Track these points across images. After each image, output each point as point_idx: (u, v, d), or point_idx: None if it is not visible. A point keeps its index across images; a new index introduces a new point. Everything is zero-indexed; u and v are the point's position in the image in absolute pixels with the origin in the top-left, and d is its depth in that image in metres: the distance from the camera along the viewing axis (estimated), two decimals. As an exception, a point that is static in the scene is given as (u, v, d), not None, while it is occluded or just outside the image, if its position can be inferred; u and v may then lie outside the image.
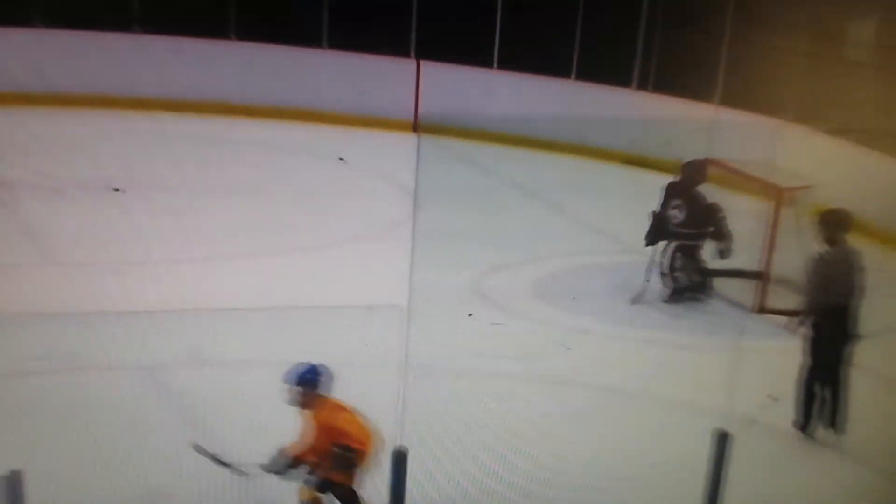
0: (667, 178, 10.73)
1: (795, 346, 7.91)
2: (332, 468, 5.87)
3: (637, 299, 10.37)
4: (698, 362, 8.94)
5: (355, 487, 5.99)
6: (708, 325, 10.00)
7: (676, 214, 10.37)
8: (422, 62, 16.28)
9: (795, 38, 13.28)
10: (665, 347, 9.49)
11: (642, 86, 15.51)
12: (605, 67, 15.47)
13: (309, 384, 5.94)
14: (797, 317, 7.98)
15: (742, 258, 10.28)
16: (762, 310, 10.08)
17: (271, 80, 16.28)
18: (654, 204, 10.53)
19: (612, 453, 7.45)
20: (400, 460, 5.25)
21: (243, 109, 16.06)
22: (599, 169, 15.13)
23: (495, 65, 16.24)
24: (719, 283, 10.55)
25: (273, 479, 6.06)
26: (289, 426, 6.06)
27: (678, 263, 10.38)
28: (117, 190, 12.30)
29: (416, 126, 16.02)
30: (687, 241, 10.35)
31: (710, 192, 10.47)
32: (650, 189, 10.96)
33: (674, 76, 14.85)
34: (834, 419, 7.81)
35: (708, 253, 10.45)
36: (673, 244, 10.37)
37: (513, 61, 15.99)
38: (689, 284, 10.44)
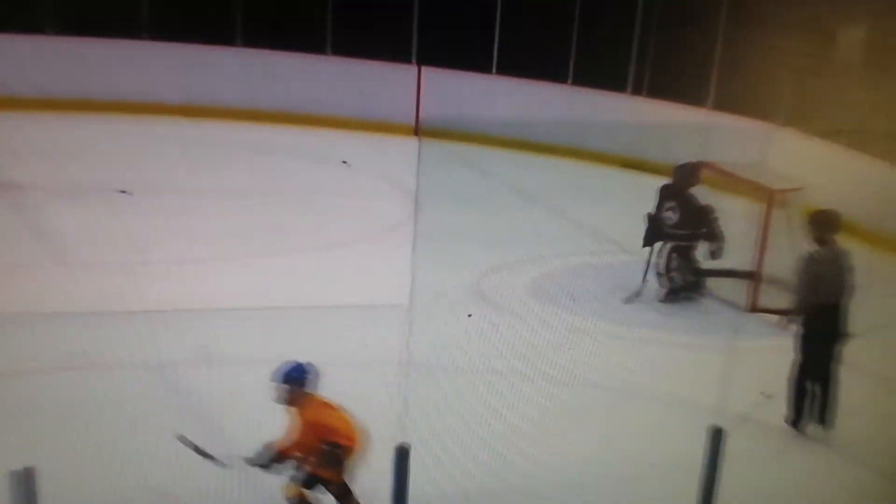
0: (663, 181, 10.70)
1: (787, 344, 7.90)
2: (320, 465, 5.86)
3: (631, 298, 10.36)
4: (693, 361, 8.92)
5: (347, 482, 5.98)
6: (702, 325, 9.98)
7: (671, 216, 10.35)
8: (423, 68, 16.27)
9: (785, 45, 13.25)
10: (661, 346, 9.47)
11: (637, 91, 15.49)
12: (600, 73, 15.46)
13: (296, 382, 5.93)
14: (788, 315, 7.96)
15: (735, 258, 10.26)
16: (755, 309, 10.06)
17: (277, 86, 16.27)
18: (651, 206, 10.52)
19: (609, 450, 7.44)
20: (402, 456, 5.22)
21: (249, 114, 16.04)
22: (597, 172, 15.11)
23: (494, 70, 16.23)
24: (713, 283, 10.53)
25: (278, 479, 6.05)
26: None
27: (674, 264, 10.37)
28: (124, 192, 12.28)
29: (418, 130, 16.01)
30: (681, 242, 10.34)
31: (702, 194, 10.45)
32: (647, 191, 10.93)
33: (667, 82, 14.85)
34: (823, 414, 7.81)
35: (702, 253, 10.44)
36: (669, 245, 10.36)
37: (511, 67, 15.98)
38: (684, 284, 10.42)
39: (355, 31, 16.09)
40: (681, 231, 10.32)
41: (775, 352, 8.18)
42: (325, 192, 13.40)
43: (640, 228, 10.50)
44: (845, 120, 12.91)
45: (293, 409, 5.95)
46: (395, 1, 16.40)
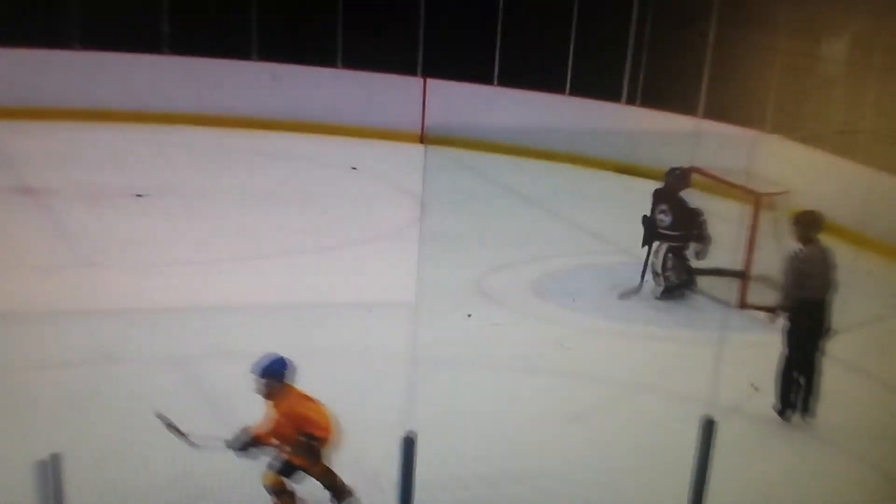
0: (655, 185, 10.67)
1: (775, 338, 7.85)
2: (296, 455, 5.81)
3: (626, 294, 10.33)
4: (686, 355, 8.87)
5: (327, 466, 5.94)
6: (695, 321, 9.92)
7: (663, 218, 10.32)
8: (428, 79, 16.27)
9: (770, 58, 13.25)
10: (655, 341, 9.42)
11: (631, 100, 15.46)
12: (596, 83, 15.45)
13: (274, 375, 5.85)
14: (776, 311, 7.92)
15: (725, 258, 10.21)
16: (744, 305, 10.01)
17: (290, 97, 16.28)
18: (644, 208, 10.48)
19: (607, 440, 7.39)
20: (409, 445, 5.18)
21: (264, 123, 16.06)
22: (592, 176, 15.09)
23: (495, 81, 16.21)
24: (705, 282, 10.49)
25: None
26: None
27: (669, 263, 10.32)
28: (140, 196, 12.28)
29: (423, 137, 15.98)
30: (674, 243, 10.31)
31: (693, 197, 10.41)
32: (639, 195, 10.92)
33: (659, 91, 14.83)
34: (807, 403, 7.78)
35: (692, 253, 10.41)
36: (664, 246, 10.32)
37: (512, 78, 15.96)
38: (678, 283, 10.39)
39: (365, 45, 16.10)
40: (673, 232, 10.28)
41: (764, 346, 8.14)
42: (336, 196, 13.38)
43: (634, 229, 10.47)
44: (827, 127, 12.90)
45: (272, 402, 5.87)
46: (402, 17, 16.39)
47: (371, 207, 12.95)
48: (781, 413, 7.81)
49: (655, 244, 10.34)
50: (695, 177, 10.54)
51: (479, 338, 9.06)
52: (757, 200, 9.91)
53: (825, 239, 7.87)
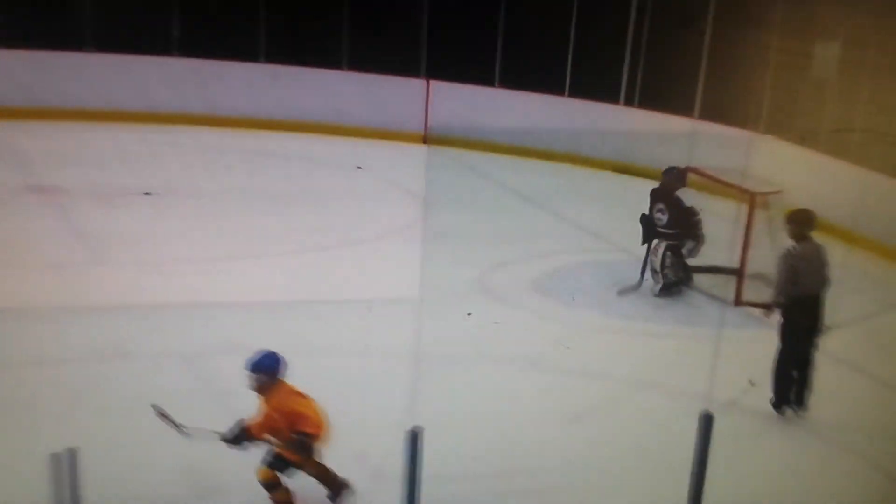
0: (653, 184, 10.63)
1: (771, 334, 7.82)
2: (288, 450, 5.77)
3: (625, 291, 10.30)
4: (684, 351, 8.84)
5: (319, 461, 5.90)
6: (692, 318, 9.89)
7: (660, 217, 10.29)
8: (431, 81, 16.23)
9: (765, 60, 13.21)
10: (654, 338, 9.38)
11: (629, 101, 15.43)
12: (595, 85, 15.42)
13: (265, 370, 5.80)
14: (771, 307, 7.90)
15: (721, 256, 10.18)
16: (740, 302, 9.98)
17: (296, 98, 16.26)
18: (642, 207, 10.45)
19: (608, 434, 7.36)
20: (415, 439, 5.14)
21: (271, 123, 16.02)
22: (592, 176, 15.05)
23: (497, 83, 16.18)
24: (702, 279, 10.46)
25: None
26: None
27: (668, 261, 10.29)
28: (148, 194, 12.24)
29: (426, 138, 15.96)
30: (672, 241, 10.28)
31: (688, 196, 10.38)
32: (637, 194, 10.88)
33: (656, 93, 14.80)
34: (801, 397, 7.75)
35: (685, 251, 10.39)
36: (663, 244, 10.29)
37: (512, 80, 15.93)
38: (676, 280, 10.35)
39: (369, 48, 16.07)
40: (670, 230, 10.25)
41: (760, 342, 8.11)
42: (341, 195, 13.35)
43: (632, 227, 10.44)
44: (820, 128, 12.87)
45: (264, 397, 5.83)
46: (405, 20, 16.36)
47: (374, 206, 12.91)
48: (777, 407, 7.78)
49: (654, 242, 10.32)
50: (691, 176, 10.52)
51: (480, 335, 9.03)
52: (752, 199, 9.88)
53: (817, 236, 7.85)
